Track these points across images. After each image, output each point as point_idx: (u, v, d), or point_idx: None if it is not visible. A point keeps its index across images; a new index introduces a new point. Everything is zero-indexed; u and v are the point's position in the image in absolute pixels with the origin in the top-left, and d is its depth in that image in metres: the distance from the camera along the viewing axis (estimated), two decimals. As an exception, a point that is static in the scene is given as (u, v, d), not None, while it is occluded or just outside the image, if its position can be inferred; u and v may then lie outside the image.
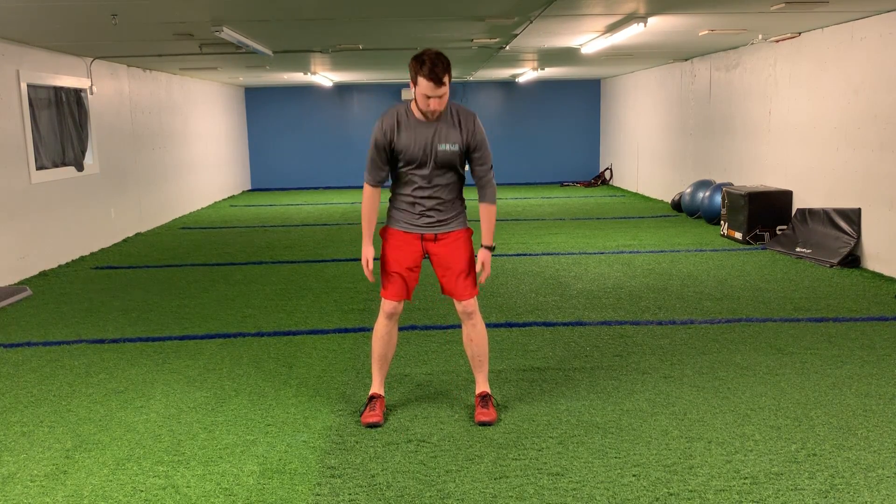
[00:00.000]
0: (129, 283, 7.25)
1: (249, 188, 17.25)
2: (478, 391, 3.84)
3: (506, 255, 8.18)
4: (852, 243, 7.31)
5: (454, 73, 14.05)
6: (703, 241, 9.03)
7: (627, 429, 3.62)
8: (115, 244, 9.71)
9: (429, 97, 3.42)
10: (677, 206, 11.60)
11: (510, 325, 5.44)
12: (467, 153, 3.63)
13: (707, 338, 5.07)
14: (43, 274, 7.79)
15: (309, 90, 16.92)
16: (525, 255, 8.26)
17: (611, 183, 16.58)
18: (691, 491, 3.01)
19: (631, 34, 7.74)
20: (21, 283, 7.37)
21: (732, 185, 9.80)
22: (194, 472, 3.26)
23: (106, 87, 9.80)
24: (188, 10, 6.18)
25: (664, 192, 13.09)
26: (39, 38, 7.64)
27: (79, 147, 8.96)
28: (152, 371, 4.63)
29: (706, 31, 8.10)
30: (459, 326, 4.11)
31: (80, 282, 7.39)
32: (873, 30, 7.10)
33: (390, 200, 3.76)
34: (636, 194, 14.51)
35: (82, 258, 8.70)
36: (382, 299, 3.77)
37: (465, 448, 3.44)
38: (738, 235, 8.77)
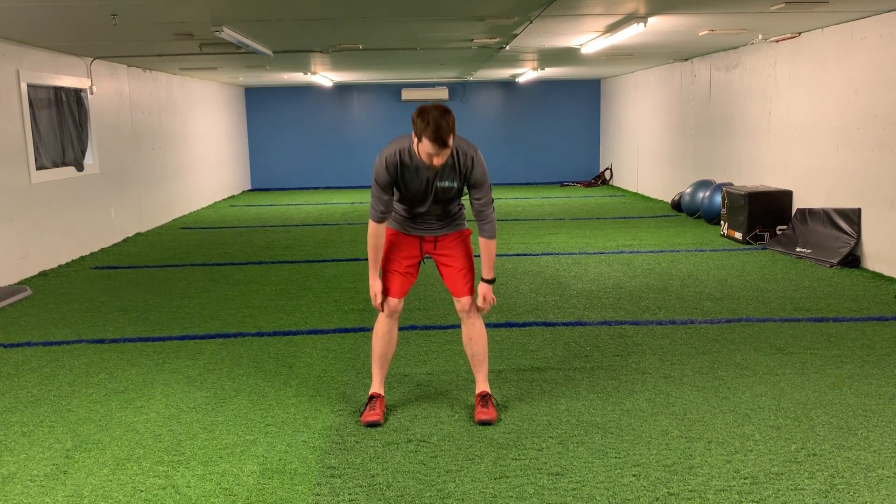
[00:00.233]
0: (129, 283, 7.25)
1: (249, 188, 17.25)
2: (478, 391, 3.85)
3: (506, 255, 8.18)
4: (852, 243, 7.31)
5: (454, 73, 14.06)
6: (703, 241, 9.03)
7: (627, 429, 3.62)
8: (115, 244, 9.71)
9: (432, 155, 3.37)
10: (677, 206, 11.60)
11: (510, 325, 5.45)
12: (467, 187, 3.64)
13: (707, 338, 5.07)
14: (43, 274, 7.79)
15: (309, 90, 16.92)
16: (525, 255, 8.26)
17: (611, 183, 16.58)
18: (691, 491, 3.01)
19: (631, 34, 7.74)
20: (21, 283, 7.37)
21: (732, 185, 9.80)
22: (194, 472, 3.26)
23: (106, 87, 9.80)
24: (188, 10, 6.18)
25: (664, 192, 13.09)
26: (39, 38, 7.64)
27: (79, 147, 8.96)
28: (152, 371, 4.63)
29: (706, 31, 8.10)
30: (459, 326, 4.11)
31: (80, 282, 7.39)
32: (873, 30, 7.10)
33: None
34: (636, 194, 14.51)
35: (82, 258, 8.70)
36: (385, 298, 3.78)
37: (465, 448, 3.44)
38: (738, 235, 8.77)
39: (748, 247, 8.48)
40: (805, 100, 8.34)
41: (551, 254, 8.30)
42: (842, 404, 3.88)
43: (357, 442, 3.53)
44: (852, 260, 7.28)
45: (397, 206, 3.72)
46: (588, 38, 8.61)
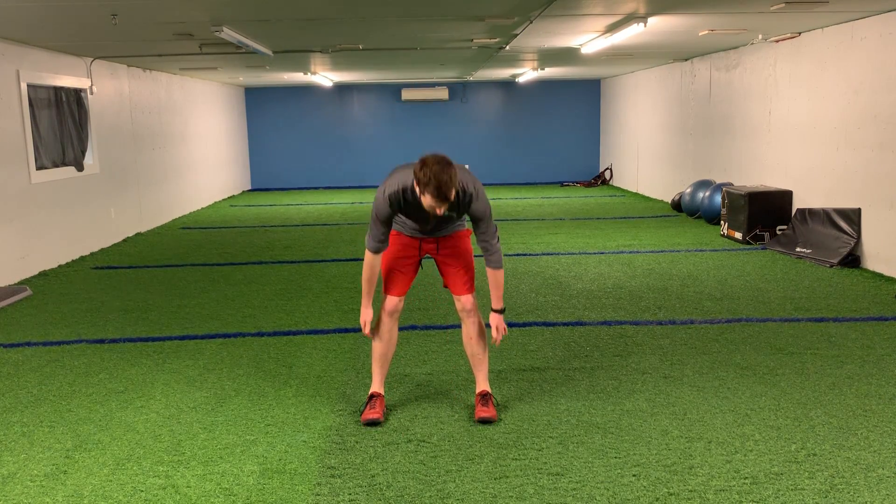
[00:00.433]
0: (129, 283, 7.25)
1: (249, 188, 17.25)
2: (478, 390, 3.85)
3: (506, 255, 8.18)
4: (852, 243, 7.31)
5: (454, 73, 14.06)
6: (703, 241, 9.03)
7: (627, 429, 3.62)
8: (115, 244, 9.71)
9: (434, 206, 3.36)
10: (677, 206, 11.60)
11: (510, 325, 5.44)
12: (470, 220, 3.64)
13: (707, 338, 5.07)
14: (43, 274, 7.79)
15: (309, 90, 16.92)
16: (525, 255, 8.26)
17: (611, 183, 16.58)
18: (691, 491, 3.01)
19: (631, 34, 7.74)
20: (21, 283, 7.37)
21: (732, 185, 9.80)
22: (194, 472, 3.26)
23: (106, 87, 9.80)
24: (188, 10, 6.18)
25: (664, 192, 13.09)
26: (39, 38, 7.64)
27: (79, 147, 8.96)
28: (152, 371, 4.63)
29: (706, 31, 8.10)
30: (459, 326, 4.11)
31: (80, 282, 7.39)
32: (873, 30, 7.10)
33: None
34: (636, 194, 14.51)
35: (82, 258, 8.70)
36: (384, 296, 3.79)
37: (465, 448, 3.44)
38: (738, 235, 8.77)
39: (748, 247, 8.48)
40: (805, 100, 8.34)
41: (551, 254, 8.30)
42: (842, 404, 3.88)
43: (357, 442, 3.53)
44: (852, 260, 7.28)
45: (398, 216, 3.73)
46: (588, 38, 8.61)
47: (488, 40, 8.68)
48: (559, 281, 6.91)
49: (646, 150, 14.17)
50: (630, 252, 8.32)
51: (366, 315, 3.72)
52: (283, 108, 16.98)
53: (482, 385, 3.85)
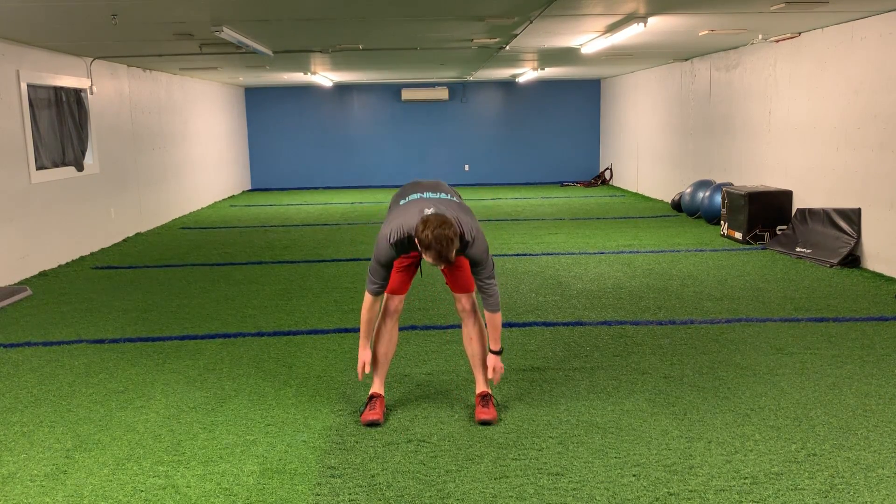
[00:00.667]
0: (129, 283, 7.25)
1: (249, 188, 17.25)
2: (478, 390, 3.85)
3: (506, 255, 8.18)
4: (852, 243, 7.31)
5: (454, 73, 14.06)
6: (703, 241, 9.03)
7: (627, 429, 3.62)
8: (115, 244, 9.71)
9: (435, 265, 3.38)
10: (677, 206, 11.60)
11: (510, 325, 5.44)
12: (469, 262, 3.62)
13: (707, 338, 5.07)
14: (43, 274, 7.79)
15: (309, 90, 16.92)
16: (525, 255, 8.26)
17: (611, 183, 16.58)
18: (691, 491, 3.01)
19: (631, 34, 7.74)
20: (21, 283, 7.37)
21: (732, 185, 9.80)
22: (194, 472, 3.26)
23: (106, 87, 9.80)
24: (188, 10, 6.18)
25: (664, 192, 13.09)
26: (39, 38, 7.64)
27: (79, 147, 8.96)
28: (152, 371, 4.63)
29: (706, 31, 8.10)
30: (459, 326, 4.12)
31: (80, 282, 7.39)
32: (873, 30, 7.10)
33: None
34: (636, 194, 14.51)
35: (82, 258, 8.70)
36: (385, 296, 3.79)
37: (465, 448, 3.44)
38: (738, 235, 8.77)
39: (748, 247, 8.48)
40: (805, 100, 8.34)
41: (551, 254, 8.30)
42: (842, 404, 3.88)
43: (357, 442, 3.53)
44: (852, 260, 7.28)
45: None
46: (588, 38, 8.61)
47: (488, 40, 8.68)
48: (559, 281, 6.91)
49: (646, 150, 14.17)
50: (630, 252, 8.32)
51: (364, 356, 3.71)
52: (283, 108, 16.98)
53: (482, 385, 3.85)
